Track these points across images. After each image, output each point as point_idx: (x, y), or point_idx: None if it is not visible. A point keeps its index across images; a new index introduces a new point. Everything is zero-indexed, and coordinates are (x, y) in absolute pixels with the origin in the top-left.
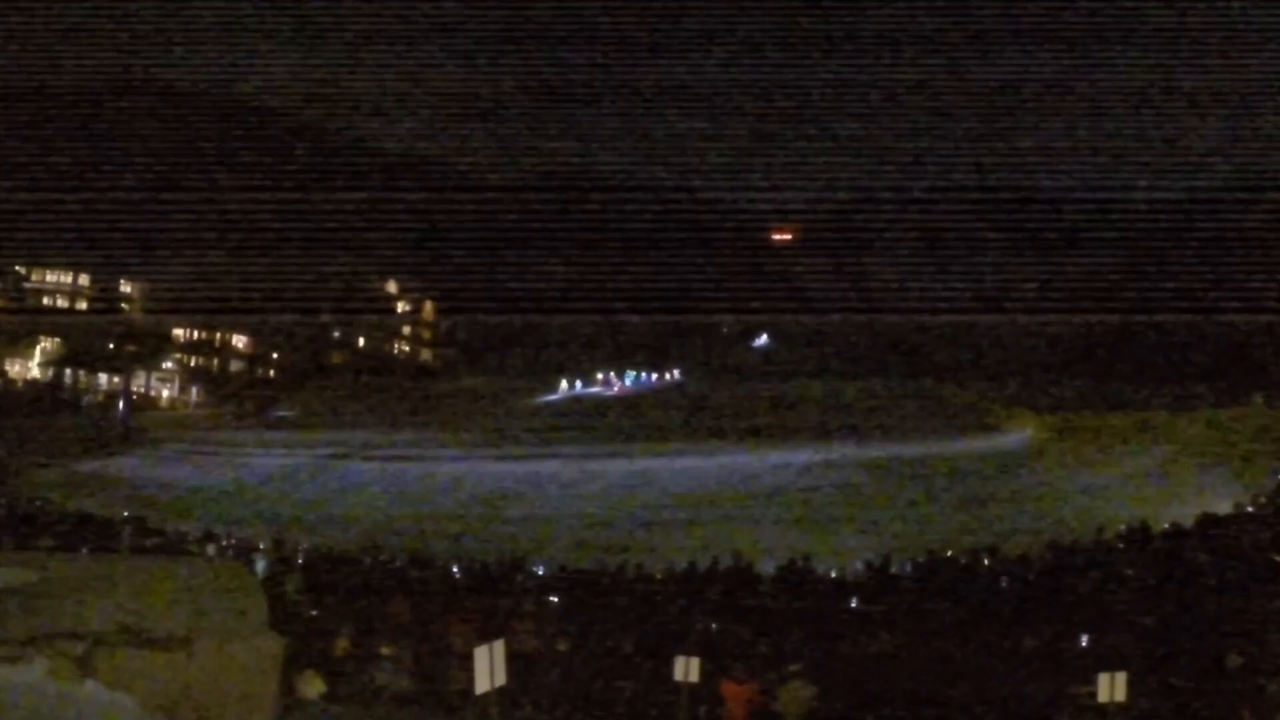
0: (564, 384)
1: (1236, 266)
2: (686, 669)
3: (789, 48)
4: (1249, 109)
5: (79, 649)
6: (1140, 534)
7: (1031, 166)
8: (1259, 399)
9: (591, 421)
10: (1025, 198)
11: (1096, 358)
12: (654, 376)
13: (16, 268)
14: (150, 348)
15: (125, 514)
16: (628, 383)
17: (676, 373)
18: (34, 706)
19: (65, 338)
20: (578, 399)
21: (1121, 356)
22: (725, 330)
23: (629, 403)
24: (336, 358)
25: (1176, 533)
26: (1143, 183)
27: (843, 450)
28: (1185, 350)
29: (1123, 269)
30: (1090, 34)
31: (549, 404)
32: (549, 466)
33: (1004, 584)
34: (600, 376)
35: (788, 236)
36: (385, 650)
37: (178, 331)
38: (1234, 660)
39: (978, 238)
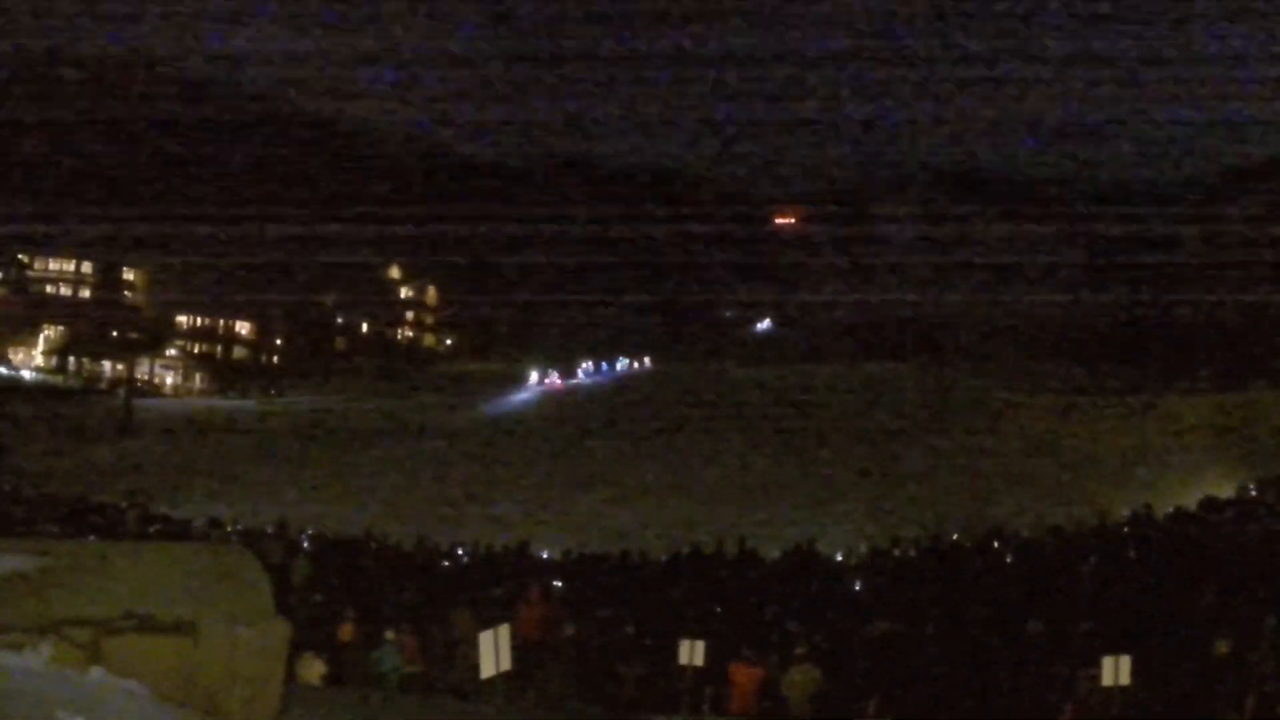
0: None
1: (1239, 253)
2: (691, 652)
3: (789, 36)
4: (1253, 97)
5: (86, 635)
6: (1144, 518)
7: (1029, 152)
8: (1263, 384)
9: None
10: (1024, 182)
11: (1100, 342)
12: (626, 364)
13: (20, 256)
14: (153, 334)
15: (130, 499)
16: (582, 377)
17: (647, 360)
18: (42, 692)
19: (69, 325)
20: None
21: (1126, 341)
22: (728, 314)
23: None
24: (338, 343)
25: (1180, 516)
26: (1144, 169)
27: None
28: (1190, 335)
29: (1127, 254)
30: (1089, 21)
31: None
32: None
33: (1008, 567)
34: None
35: (790, 221)
36: (389, 635)
37: (180, 318)
38: (1221, 647)
39: (977, 223)
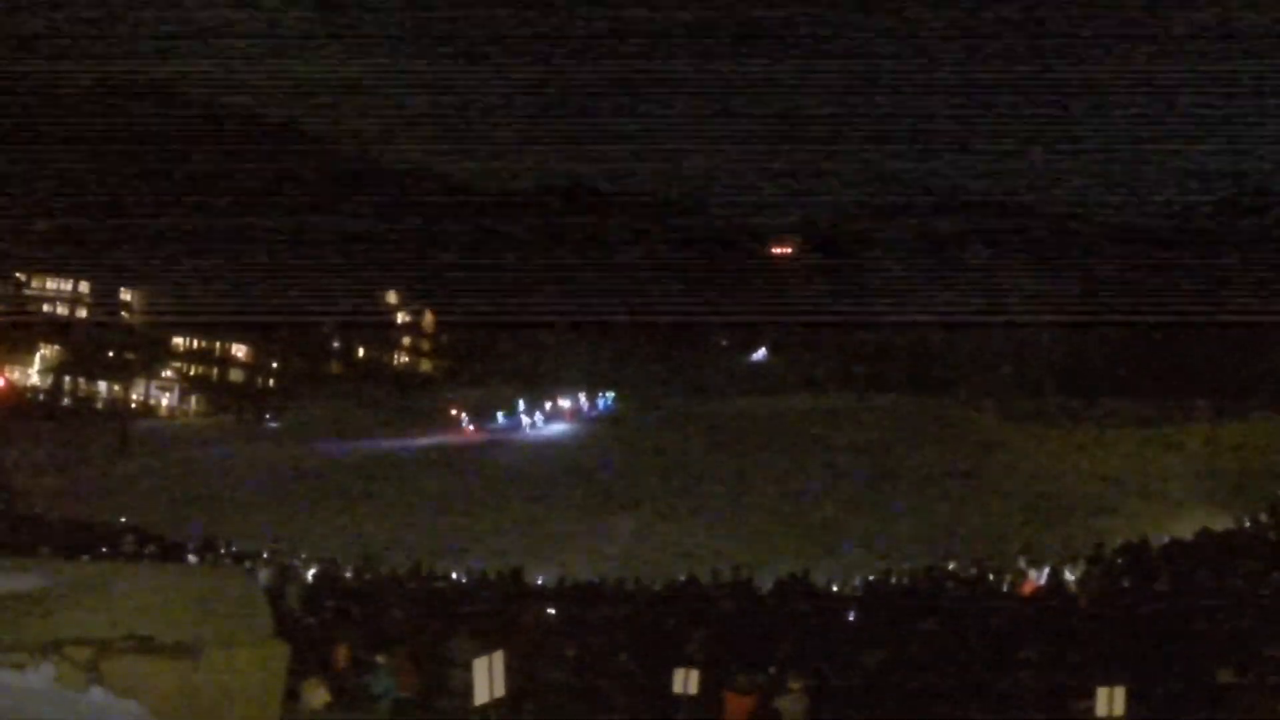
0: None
1: (1236, 276)
2: (686, 681)
3: (789, 60)
4: (1247, 121)
5: (86, 655)
6: (1139, 548)
7: (1030, 177)
8: (1261, 413)
9: None
10: (1023, 208)
11: (1097, 369)
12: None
13: (17, 274)
14: (150, 355)
15: (124, 520)
16: (538, 421)
17: (611, 396)
18: (42, 713)
19: (66, 345)
20: None
21: (1121, 368)
22: (723, 343)
23: None
24: (335, 367)
25: (1176, 548)
26: (1142, 193)
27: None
28: (1186, 362)
29: (1122, 279)
30: (1088, 45)
31: None
32: None
33: (1002, 597)
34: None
35: (788, 249)
36: (383, 659)
37: (177, 340)
38: (1225, 676)
39: (976, 248)
